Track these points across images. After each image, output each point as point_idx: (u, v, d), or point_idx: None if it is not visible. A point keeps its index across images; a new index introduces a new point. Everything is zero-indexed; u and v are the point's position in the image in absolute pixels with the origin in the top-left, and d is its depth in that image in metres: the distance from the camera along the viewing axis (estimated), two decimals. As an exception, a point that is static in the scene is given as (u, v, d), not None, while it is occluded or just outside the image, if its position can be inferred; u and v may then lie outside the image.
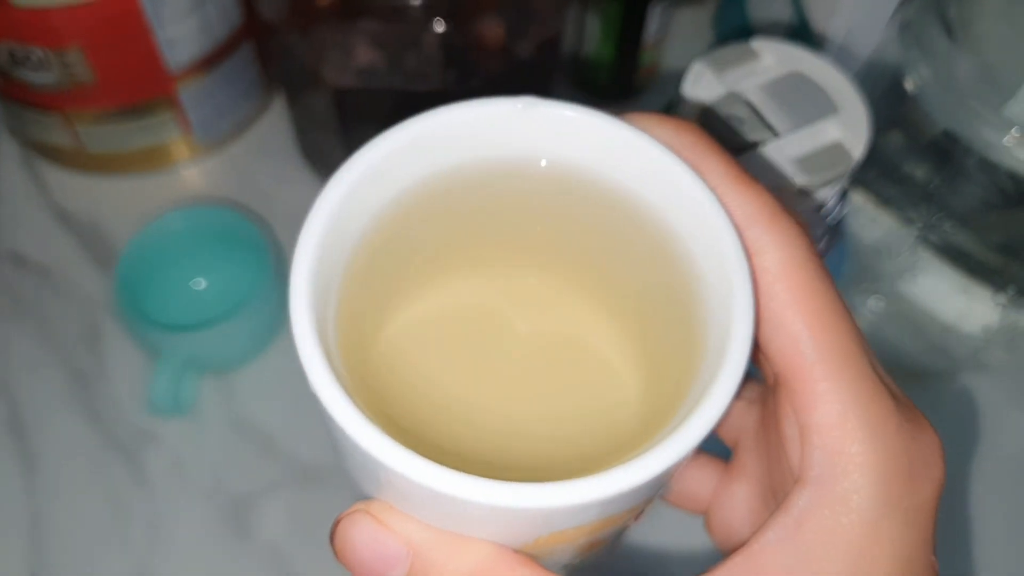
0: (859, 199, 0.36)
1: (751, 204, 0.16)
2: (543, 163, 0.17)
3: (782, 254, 0.15)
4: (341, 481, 0.41)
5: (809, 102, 0.26)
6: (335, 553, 0.16)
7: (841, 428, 0.15)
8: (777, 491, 0.18)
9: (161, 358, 0.39)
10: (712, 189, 0.16)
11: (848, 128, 0.26)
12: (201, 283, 0.44)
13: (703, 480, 0.21)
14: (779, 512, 0.15)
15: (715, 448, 0.22)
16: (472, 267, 0.20)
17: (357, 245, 0.16)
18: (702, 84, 0.26)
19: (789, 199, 0.25)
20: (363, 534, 0.15)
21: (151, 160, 0.47)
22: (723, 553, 0.20)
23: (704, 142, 0.16)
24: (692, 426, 0.14)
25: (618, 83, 0.50)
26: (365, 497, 0.16)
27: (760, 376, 0.19)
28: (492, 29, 0.37)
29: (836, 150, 0.25)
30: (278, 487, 0.40)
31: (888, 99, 0.34)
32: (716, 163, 0.16)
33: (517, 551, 0.15)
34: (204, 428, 0.41)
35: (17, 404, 0.41)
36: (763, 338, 0.16)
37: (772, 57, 0.27)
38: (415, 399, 0.18)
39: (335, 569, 0.41)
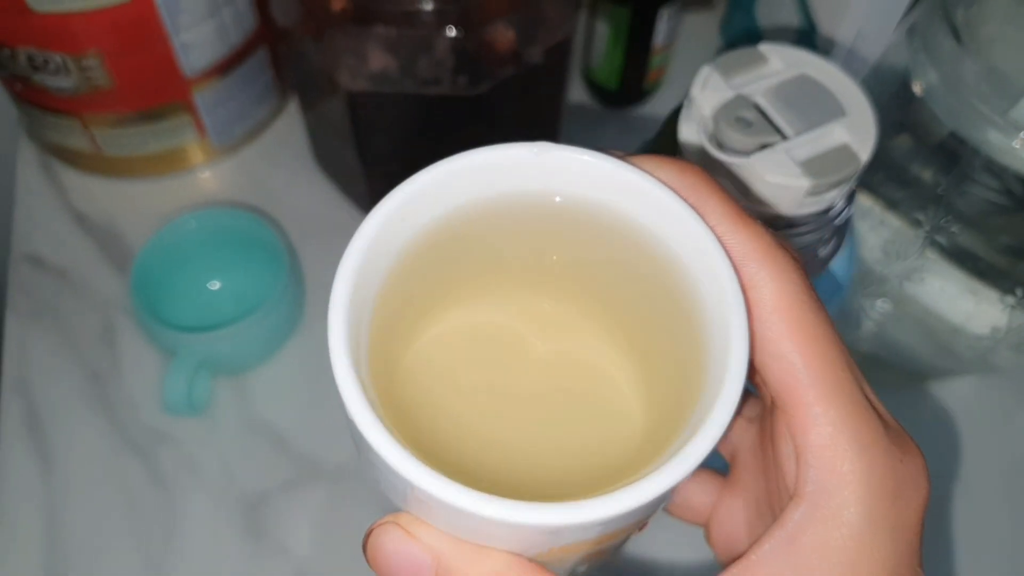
0: (867, 202, 0.36)
1: (749, 242, 0.17)
2: (557, 199, 0.18)
3: (778, 287, 0.17)
4: (353, 481, 0.41)
5: (816, 105, 0.26)
6: (367, 559, 0.18)
7: (833, 448, 0.16)
8: (772, 505, 0.19)
9: (176, 359, 0.39)
10: (712, 228, 0.17)
11: (855, 131, 0.26)
12: (216, 285, 0.45)
13: (703, 493, 0.23)
14: (775, 526, 0.16)
15: (716, 463, 0.23)
16: (491, 294, 0.21)
17: (387, 275, 0.18)
18: (710, 88, 0.26)
19: (797, 201, 0.26)
20: (393, 543, 0.17)
21: (167, 164, 0.48)
22: (721, 563, 0.21)
23: (705, 183, 0.18)
24: (691, 450, 0.15)
25: (627, 88, 0.50)
26: (393, 508, 0.18)
27: (759, 395, 0.21)
28: (503, 34, 0.37)
29: (843, 152, 0.26)
30: (291, 486, 0.40)
31: (896, 102, 0.34)
32: (717, 204, 0.17)
33: (531, 559, 0.16)
34: (218, 428, 0.41)
35: (34, 403, 0.42)
36: (761, 365, 0.17)
37: (780, 61, 0.27)
38: (436, 413, 0.19)
39: (347, 566, 0.41)
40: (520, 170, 0.18)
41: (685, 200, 0.17)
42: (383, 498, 0.18)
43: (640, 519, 0.17)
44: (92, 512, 0.39)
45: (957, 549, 0.40)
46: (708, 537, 0.23)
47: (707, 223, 0.17)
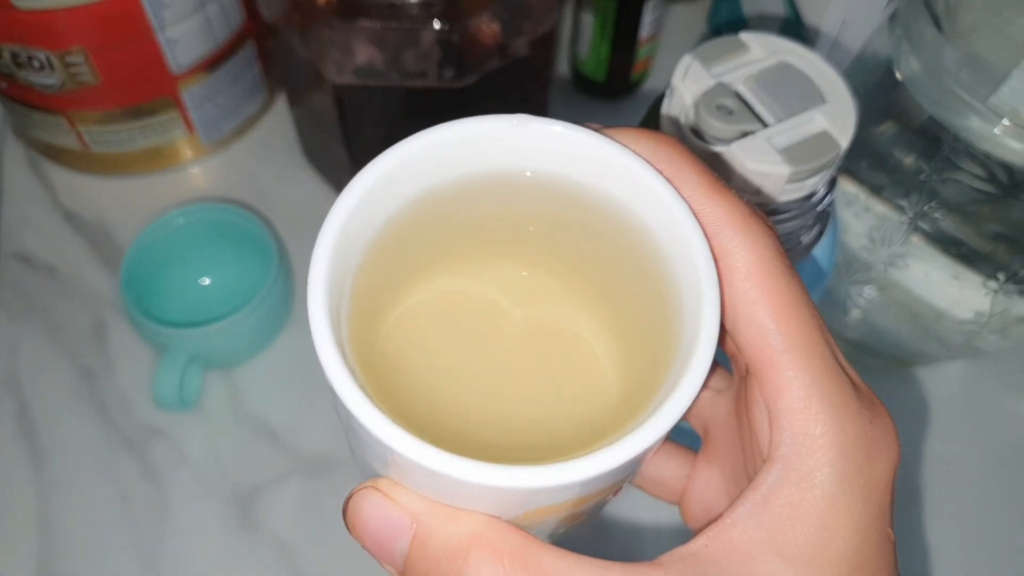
0: (852, 189, 0.36)
1: (723, 210, 0.17)
2: (528, 173, 0.19)
3: (751, 255, 0.17)
4: (345, 472, 0.41)
5: (797, 93, 0.26)
6: (346, 525, 0.18)
7: (805, 412, 0.16)
8: (749, 472, 0.19)
9: (167, 354, 0.39)
10: (685, 198, 0.17)
11: (835, 117, 0.26)
12: (206, 280, 0.45)
13: (677, 468, 0.23)
14: (749, 489, 0.17)
15: (687, 440, 0.23)
16: (470, 263, 0.21)
17: (367, 248, 0.18)
18: (691, 76, 0.27)
19: (778, 186, 0.26)
20: (372, 507, 0.17)
21: (155, 160, 0.48)
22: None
23: (680, 155, 0.18)
24: (662, 415, 0.15)
25: (614, 80, 0.51)
26: (373, 475, 0.18)
27: (730, 368, 0.21)
28: (488, 27, 0.37)
29: (823, 139, 0.26)
30: (283, 479, 0.40)
31: (880, 90, 0.34)
32: (691, 174, 0.18)
33: (508, 521, 0.17)
34: (210, 422, 0.42)
35: (26, 401, 0.42)
36: (735, 331, 0.17)
37: (761, 49, 0.28)
38: (415, 381, 0.20)
39: (340, 559, 0.42)
40: (499, 141, 0.18)
41: (659, 171, 0.18)
42: (365, 467, 0.18)
43: (615, 482, 0.17)
44: (84, 508, 0.40)
45: (942, 533, 0.40)
46: (683, 513, 0.23)
47: (681, 194, 0.17)
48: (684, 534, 0.18)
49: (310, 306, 0.16)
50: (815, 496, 0.16)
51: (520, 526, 0.17)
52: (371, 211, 0.18)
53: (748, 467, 0.19)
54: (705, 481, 0.22)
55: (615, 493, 0.19)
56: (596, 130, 0.18)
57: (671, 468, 0.23)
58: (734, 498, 0.17)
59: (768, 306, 0.17)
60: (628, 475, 0.18)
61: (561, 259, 0.21)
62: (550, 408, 0.20)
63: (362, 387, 0.15)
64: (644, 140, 0.18)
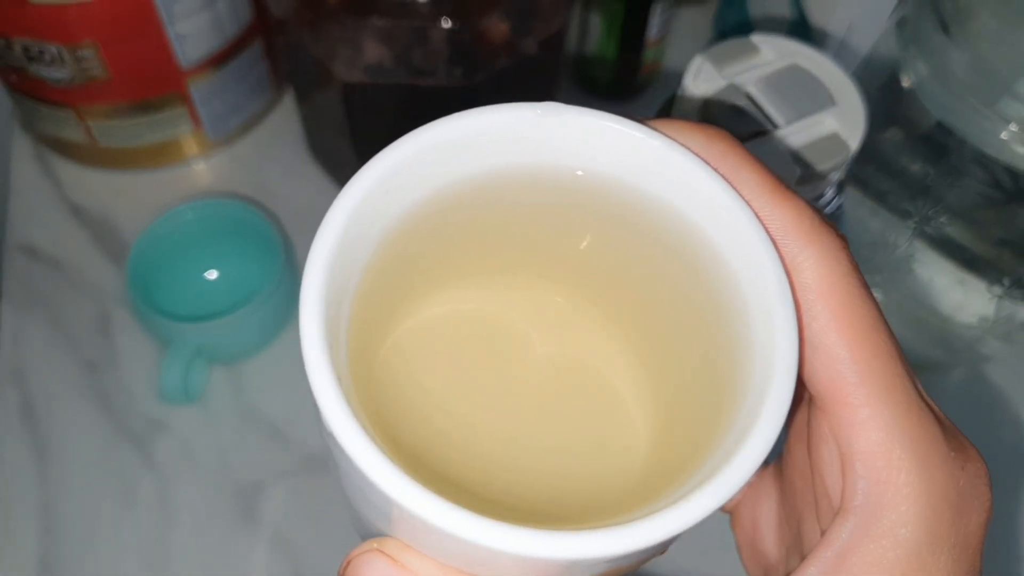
0: (857, 193, 0.36)
1: (788, 217, 0.15)
2: (579, 173, 0.16)
3: (821, 270, 0.15)
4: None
5: (807, 95, 0.26)
6: None
7: (886, 457, 0.14)
8: (801, 511, 0.17)
9: (172, 348, 0.39)
10: (748, 203, 0.15)
11: (845, 120, 0.26)
12: (212, 275, 0.45)
13: None
14: (821, 545, 0.14)
15: None
16: (494, 279, 0.19)
17: (373, 254, 0.15)
18: (703, 77, 0.27)
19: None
20: (378, 575, 0.15)
21: (162, 155, 0.48)
22: (743, 560, 0.20)
23: (736, 151, 0.16)
24: (735, 469, 0.13)
25: (620, 81, 0.51)
26: (372, 533, 0.15)
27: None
28: (497, 26, 0.37)
29: (833, 141, 0.26)
30: (285, 474, 0.40)
31: (886, 94, 0.34)
32: (750, 174, 0.15)
33: None
34: (213, 417, 0.42)
35: (30, 393, 0.42)
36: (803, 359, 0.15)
37: (771, 51, 0.28)
38: (416, 412, 0.17)
39: (340, 555, 0.42)
40: (524, 136, 0.15)
41: (718, 172, 0.15)
42: (366, 527, 0.16)
43: (667, 546, 0.15)
44: (88, 501, 0.40)
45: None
46: (733, 523, 0.21)
47: (742, 197, 0.15)
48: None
49: (302, 331, 0.13)
50: (899, 556, 0.14)
51: None
52: (374, 215, 0.15)
53: (804, 506, 0.17)
54: (761, 501, 0.20)
55: (661, 553, 0.16)
56: (640, 122, 0.15)
57: None
58: (786, 535, 0.15)
59: (841, 330, 0.14)
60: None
61: (602, 282, 0.18)
62: (568, 459, 0.17)
63: (367, 431, 0.13)
64: (694, 134, 0.15)
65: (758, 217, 0.15)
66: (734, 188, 0.15)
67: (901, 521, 0.14)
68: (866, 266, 0.37)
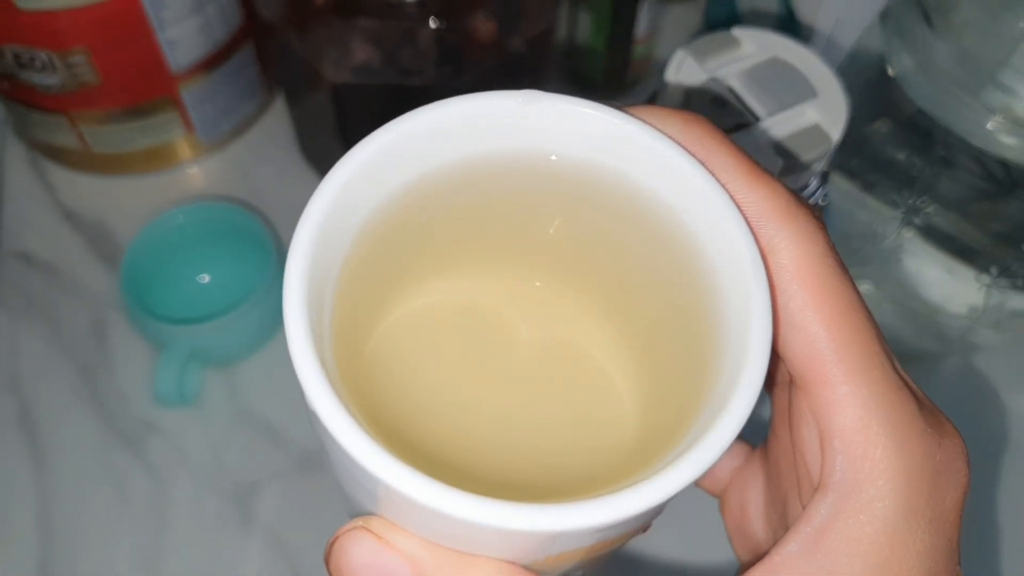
0: (845, 184, 0.36)
1: (765, 199, 0.15)
2: (553, 158, 0.16)
3: (798, 251, 0.15)
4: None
5: (788, 87, 0.27)
6: (330, 572, 0.15)
7: (864, 433, 0.14)
8: (785, 491, 0.17)
9: (166, 351, 0.39)
10: (724, 185, 0.15)
11: (826, 111, 0.26)
12: (205, 278, 0.45)
13: (729, 461, 0.21)
14: (800, 521, 0.15)
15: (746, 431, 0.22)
16: (475, 266, 0.19)
17: (353, 244, 0.16)
18: (684, 71, 0.27)
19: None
20: (364, 553, 0.15)
21: (155, 160, 0.48)
22: (731, 540, 0.20)
23: (713, 136, 0.16)
24: (711, 440, 0.13)
25: (610, 77, 0.51)
26: (359, 511, 0.15)
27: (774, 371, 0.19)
28: (484, 24, 0.37)
29: (815, 132, 0.26)
30: (279, 475, 0.41)
31: (873, 87, 0.34)
32: (727, 158, 0.15)
33: (525, 567, 0.14)
34: (208, 419, 0.42)
35: (26, 399, 0.42)
36: (779, 339, 0.15)
37: (753, 44, 0.28)
38: (406, 400, 0.17)
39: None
40: (505, 123, 0.16)
41: (694, 156, 0.15)
42: (353, 505, 0.16)
43: (649, 519, 0.15)
44: (84, 504, 0.40)
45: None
46: (721, 507, 0.21)
47: (718, 180, 0.15)
48: (716, 571, 0.17)
49: (286, 317, 0.14)
50: (876, 530, 0.14)
51: (537, 571, 0.14)
52: (356, 202, 0.15)
53: (787, 486, 0.17)
54: (749, 484, 0.20)
55: (644, 530, 0.17)
56: (618, 109, 0.16)
57: (724, 460, 0.20)
58: (772, 515, 0.15)
59: (819, 310, 0.15)
60: (663, 509, 0.15)
61: (580, 265, 0.19)
62: (560, 437, 0.18)
63: (351, 413, 0.13)
64: (672, 119, 0.16)
65: (733, 200, 0.15)
66: (710, 171, 0.15)
67: (878, 496, 0.14)
68: (855, 258, 0.38)
